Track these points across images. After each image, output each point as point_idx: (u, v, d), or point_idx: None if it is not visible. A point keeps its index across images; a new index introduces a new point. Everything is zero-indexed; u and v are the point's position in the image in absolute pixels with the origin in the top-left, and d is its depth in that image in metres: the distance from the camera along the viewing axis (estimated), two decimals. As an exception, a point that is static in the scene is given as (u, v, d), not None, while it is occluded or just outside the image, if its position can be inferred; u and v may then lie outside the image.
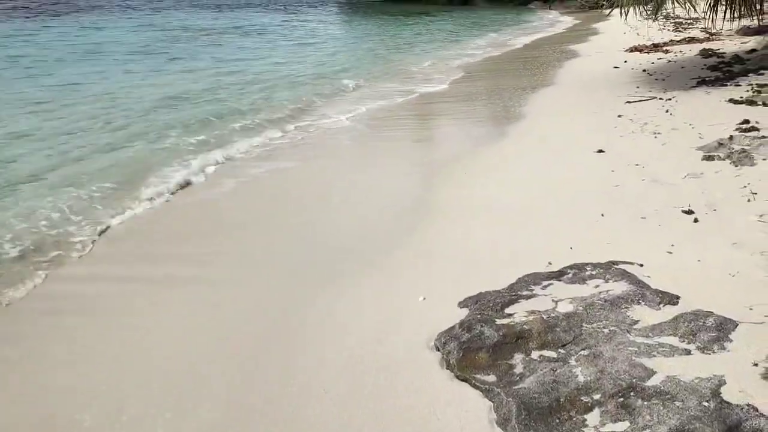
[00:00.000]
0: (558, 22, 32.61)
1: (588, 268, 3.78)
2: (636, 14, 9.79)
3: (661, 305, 3.33)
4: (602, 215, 4.69)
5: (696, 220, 4.37)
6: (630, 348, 2.95)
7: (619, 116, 7.89)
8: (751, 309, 3.18)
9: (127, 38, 20.55)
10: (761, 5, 10.83)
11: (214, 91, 11.42)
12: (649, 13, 11.03)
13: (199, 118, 9.27)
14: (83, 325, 3.82)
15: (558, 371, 2.86)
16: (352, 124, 9.36)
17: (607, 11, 10.22)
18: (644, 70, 11.51)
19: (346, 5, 48.96)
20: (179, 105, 10.20)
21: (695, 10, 9.94)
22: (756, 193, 4.67)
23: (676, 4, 10.41)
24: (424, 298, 3.77)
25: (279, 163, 7.31)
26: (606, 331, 3.13)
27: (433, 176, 6.40)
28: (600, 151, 6.42)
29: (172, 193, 6.22)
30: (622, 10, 9.75)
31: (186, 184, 6.50)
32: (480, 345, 3.12)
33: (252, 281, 4.31)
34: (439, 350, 3.20)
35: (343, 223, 5.38)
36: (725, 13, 10.83)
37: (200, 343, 3.55)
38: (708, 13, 10.99)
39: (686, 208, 4.56)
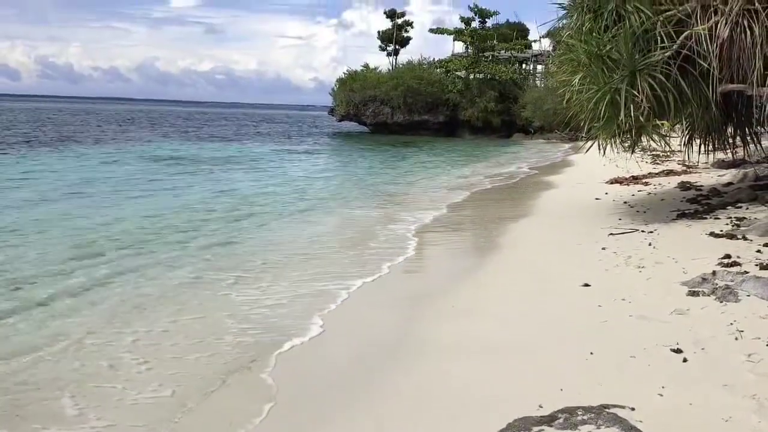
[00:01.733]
0: (545, 152, 33.93)
1: (579, 413, 3.68)
2: (614, 148, 10.21)
3: (656, 454, 3.22)
4: (591, 353, 4.64)
5: (685, 360, 4.33)
6: (626, 504, 2.82)
7: (603, 249, 8.02)
8: (748, 459, 3.09)
9: (127, 169, 21.16)
10: (734, 140, 11.35)
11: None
12: (626, 147, 11.52)
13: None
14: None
15: None
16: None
17: (587, 145, 10.61)
18: (625, 202, 11.85)
19: (336, 136, 51.00)
20: (189, 239, 10.16)
21: (669, 146, 10.40)
22: (742, 331, 4.67)
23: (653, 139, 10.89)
24: (412, 445, 3.64)
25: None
26: (600, 483, 3.00)
27: (419, 310, 6.38)
28: (586, 284, 6.47)
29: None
30: (600, 144, 10.18)
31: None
32: (469, 500, 2.97)
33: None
34: (426, 505, 3.04)
35: (324, 358, 5.29)
36: (700, 147, 11.34)
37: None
38: (683, 147, 11.51)
39: (675, 347, 4.53)
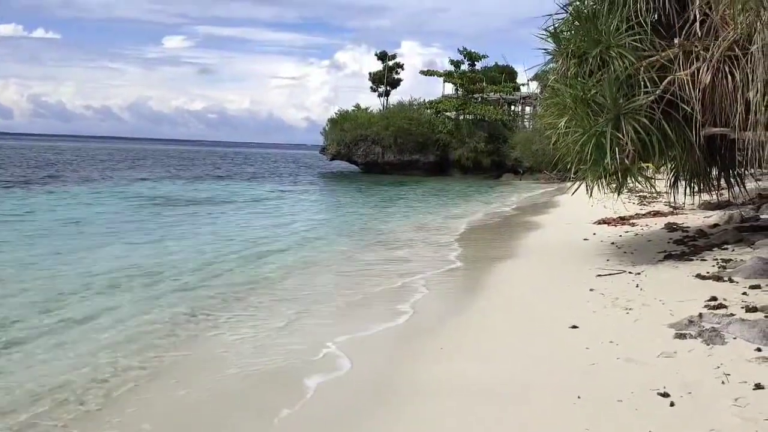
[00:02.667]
0: (534, 193, 34.18)
1: (566, 459, 3.65)
2: (600, 190, 10.30)
3: (643, 501, 3.19)
4: (579, 397, 4.62)
5: (672, 404, 4.32)
6: None
7: (591, 290, 8.04)
8: (735, 506, 3.06)
9: (127, 213, 21.12)
10: (719, 182, 11.49)
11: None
12: (613, 189, 11.62)
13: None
14: None
15: None
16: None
17: (574, 187, 10.69)
18: (613, 243, 11.93)
19: (328, 176, 51.21)
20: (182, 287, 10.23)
21: (654, 188, 10.49)
22: (729, 374, 4.66)
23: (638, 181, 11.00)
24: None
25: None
26: None
27: (408, 351, 6.35)
28: (574, 326, 6.46)
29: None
30: (588, 186, 10.28)
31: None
32: None
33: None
34: None
35: (312, 400, 5.23)
36: (685, 189, 11.46)
37: None
38: (669, 189, 11.65)
39: (662, 391, 4.51)
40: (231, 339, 6.97)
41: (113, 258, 11.69)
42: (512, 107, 60.75)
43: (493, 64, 61.80)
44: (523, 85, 57.09)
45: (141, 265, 10.93)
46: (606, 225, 14.97)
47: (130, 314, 7.83)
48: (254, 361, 6.20)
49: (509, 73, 61.41)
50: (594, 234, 13.53)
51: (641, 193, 20.26)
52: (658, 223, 14.18)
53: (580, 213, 17.77)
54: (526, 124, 55.03)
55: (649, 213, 16.48)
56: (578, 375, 5.10)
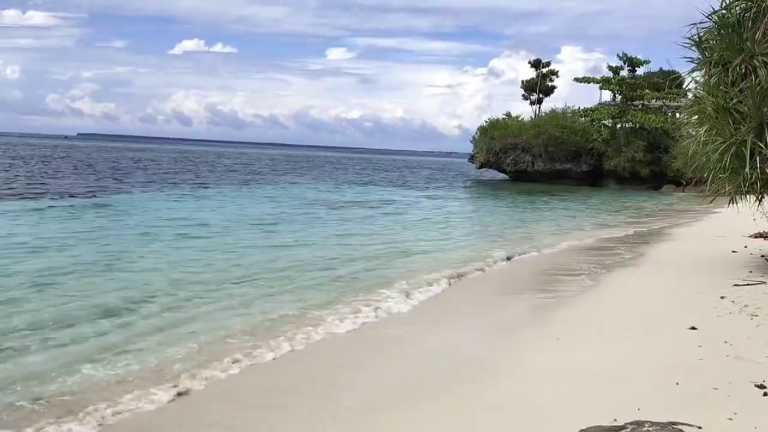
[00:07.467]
0: (693, 206, 32.44)
1: (647, 425, 4.13)
2: (742, 200, 10.08)
3: (710, 464, 3.63)
4: (677, 383, 5.01)
5: (766, 394, 4.59)
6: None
7: (722, 297, 8.09)
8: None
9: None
10: None
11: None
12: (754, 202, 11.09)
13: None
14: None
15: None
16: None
17: (715, 197, 10.56)
18: (762, 256, 11.53)
19: (479, 184, 51.45)
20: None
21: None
22: (834, 375, 4.81)
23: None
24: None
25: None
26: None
27: (524, 339, 6.95)
28: (693, 328, 6.69)
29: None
30: (732, 196, 10.09)
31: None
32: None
33: None
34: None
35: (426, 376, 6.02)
36: None
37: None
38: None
39: (759, 383, 4.78)
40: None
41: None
42: (677, 115, 57.37)
43: (658, 69, 58.76)
44: (689, 91, 53.72)
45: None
46: (762, 239, 14.28)
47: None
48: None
49: (674, 79, 57.92)
50: (745, 247, 13.06)
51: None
52: (823, 238, 13.34)
53: (737, 226, 16.94)
54: (692, 132, 51.78)
55: (816, 228, 15.37)
56: (683, 367, 5.45)
